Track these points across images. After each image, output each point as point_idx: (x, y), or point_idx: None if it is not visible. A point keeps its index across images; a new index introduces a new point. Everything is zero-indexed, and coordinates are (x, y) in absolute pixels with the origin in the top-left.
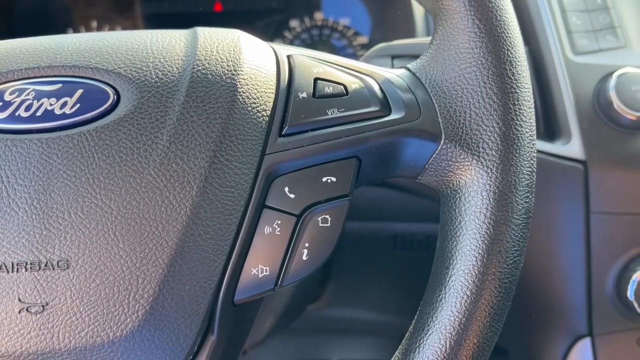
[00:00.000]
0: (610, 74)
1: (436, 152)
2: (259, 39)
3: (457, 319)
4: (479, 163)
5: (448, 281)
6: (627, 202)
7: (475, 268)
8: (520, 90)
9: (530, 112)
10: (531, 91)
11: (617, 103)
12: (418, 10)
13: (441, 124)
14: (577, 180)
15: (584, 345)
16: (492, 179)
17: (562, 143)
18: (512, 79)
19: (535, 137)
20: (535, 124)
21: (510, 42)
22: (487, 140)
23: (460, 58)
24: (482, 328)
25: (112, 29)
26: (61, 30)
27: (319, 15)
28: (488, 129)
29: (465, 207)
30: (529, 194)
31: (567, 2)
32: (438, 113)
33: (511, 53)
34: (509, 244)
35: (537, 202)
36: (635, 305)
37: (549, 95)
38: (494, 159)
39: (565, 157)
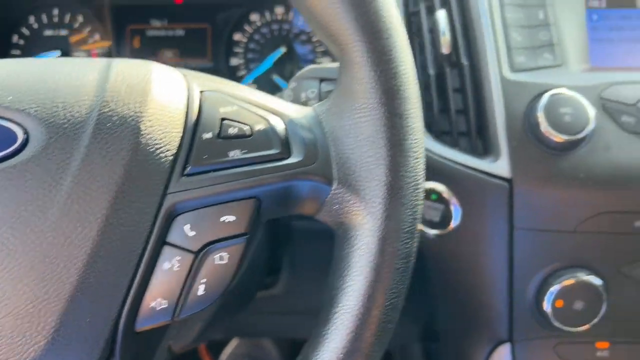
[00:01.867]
0: (541, 94)
1: (329, 195)
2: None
3: (338, 357)
4: (365, 209)
5: (333, 319)
6: (549, 220)
7: (357, 308)
8: (408, 142)
9: (417, 163)
10: (421, 142)
11: (544, 124)
12: None
13: (334, 169)
14: (503, 197)
15: (505, 349)
16: (376, 225)
17: (490, 160)
18: (401, 131)
19: (420, 186)
20: (422, 174)
21: (403, 96)
22: (374, 188)
23: (357, 107)
24: None
25: (73, 18)
26: (23, 17)
27: (279, 10)
28: (375, 177)
29: (352, 250)
30: (410, 240)
31: (510, 17)
32: (333, 158)
33: (403, 106)
34: (389, 288)
35: (466, 215)
36: (550, 316)
37: (484, 112)
38: (379, 206)
39: (492, 174)
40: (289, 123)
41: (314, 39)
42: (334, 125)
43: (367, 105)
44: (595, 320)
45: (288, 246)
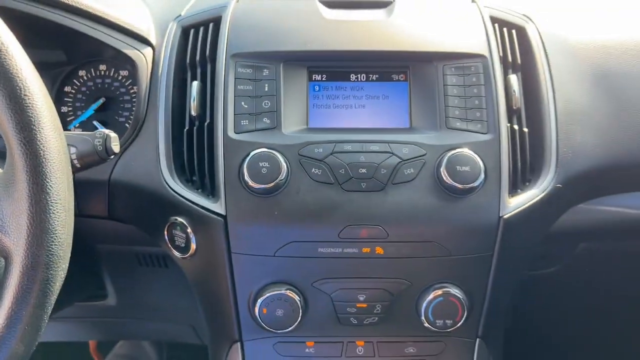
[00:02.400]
0: (249, 153)
1: None
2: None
3: None
4: (15, 249)
5: None
6: (255, 247)
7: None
8: (49, 213)
9: (54, 221)
10: (59, 207)
11: (247, 175)
12: None
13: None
14: (221, 228)
15: (237, 347)
16: (20, 260)
17: (214, 201)
18: (41, 201)
19: (56, 240)
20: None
21: (46, 174)
22: (20, 237)
23: (12, 181)
24: None
25: None
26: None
27: (102, 67)
28: (23, 230)
29: (7, 275)
30: (45, 269)
31: (240, 89)
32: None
33: (46, 182)
34: (15, 317)
35: (199, 241)
36: (260, 321)
37: (212, 164)
38: (23, 247)
39: (213, 211)
40: None
41: (132, 91)
42: (1, 189)
43: (19, 179)
44: (294, 325)
45: (102, 267)
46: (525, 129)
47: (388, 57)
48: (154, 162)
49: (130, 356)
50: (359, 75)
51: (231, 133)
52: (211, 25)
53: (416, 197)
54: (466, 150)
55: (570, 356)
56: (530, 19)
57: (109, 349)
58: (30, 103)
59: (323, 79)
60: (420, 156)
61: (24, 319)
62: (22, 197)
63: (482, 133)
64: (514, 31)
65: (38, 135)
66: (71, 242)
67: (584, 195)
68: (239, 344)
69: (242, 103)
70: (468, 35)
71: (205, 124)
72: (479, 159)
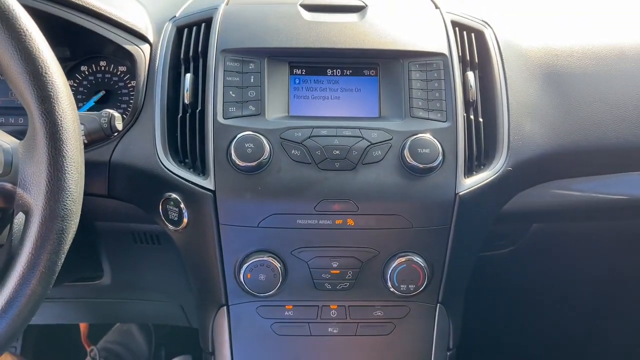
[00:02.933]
0: (236, 135)
1: (16, 193)
2: None
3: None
4: (34, 203)
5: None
6: (240, 218)
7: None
8: (63, 170)
9: (69, 178)
10: (74, 167)
11: (234, 155)
12: None
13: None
14: (210, 202)
15: (223, 311)
16: (39, 211)
17: (204, 178)
18: (58, 161)
19: (70, 195)
20: (72, 188)
21: (61, 139)
22: (40, 193)
23: (34, 144)
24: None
25: None
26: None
27: (102, 63)
28: (40, 185)
29: (28, 226)
30: (61, 221)
31: (229, 80)
32: (20, 173)
33: (62, 146)
34: (49, 250)
35: (191, 215)
36: (244, 285)
37: (203, 146)
38: (41, 202)
39: (204, 187)
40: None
41: (129, 85)
42: (24, 154)
43: (39, 144)
44: (275, 289)
45: (100, 245)
46: (481, 119)
47: (360, 54)
48: (150, 145)
49: (120, 343)
50: (334, 70)
51: (220, 118)
52: (203, 25)
53: (383, 176)
54: (427, 136)
55: (523, 333)
56: (489, 25)
57: (99, 337)
58: (50, 80)
59: (303, 72)
60: (387, 140)
61: (42, 262)
62: (42, 160)
63: (442, 121)
64: (472, 34)
65: (57, 108)
66: (82, 199)
67: (533, 179)
68: (225, 307)
69: (230, 92)
70: (431, 37)
71: (197, 110)
72: (437, 143)
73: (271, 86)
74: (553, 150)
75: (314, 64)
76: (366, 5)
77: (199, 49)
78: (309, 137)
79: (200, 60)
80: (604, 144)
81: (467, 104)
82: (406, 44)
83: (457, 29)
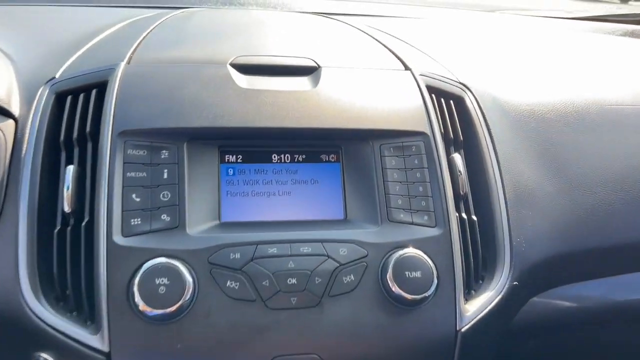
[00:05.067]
0: (142, 264)
1: None
2: None
3: None
4: None
5: None
6: None
7: None
8: None
9: None
10: None
11: (138, 297)
12: None
13: None
14: None
15: None
16: None
17: (91, 331)
18: None
19: None
20: None
21: None
22: None
23: None
24: None
25: None
26: None
27: None
28: None
29: None
30: None
31: (131, 177)
32: None
33: None
34: None
35: None
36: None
37: (90, 279)
38: None
39: (91, 346)
40: None
41: None
42: None
43: None
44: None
45: None
46: (474, 217)
47: (316, 135)
48: (10, 274)
49: None
50: (282, 156)
51: (117, 237)
52: (94, 92)
53: (359, 312)
54: (415, 252)
55: None
56: (467, 88)
57: None
58: None
59: (238, 160)
60: (361, 258)
61: None
62: None
63: (430, 226)
64: (452, 102)
65: None
66: None
67: (538, 289)
68: None
69: (133, 195)
70: (405, 109)
71: (83, 223)
72: (429, 261)
73: (194, 182)
74: (561, 252)
75: (253, 147)
76: (319, 66)
77: (87, 128)
78: (252, 260)
79: (89, 145)
80: (621, 239)
81: (457, 198)
82: (375, 120)
83: (433, 96)
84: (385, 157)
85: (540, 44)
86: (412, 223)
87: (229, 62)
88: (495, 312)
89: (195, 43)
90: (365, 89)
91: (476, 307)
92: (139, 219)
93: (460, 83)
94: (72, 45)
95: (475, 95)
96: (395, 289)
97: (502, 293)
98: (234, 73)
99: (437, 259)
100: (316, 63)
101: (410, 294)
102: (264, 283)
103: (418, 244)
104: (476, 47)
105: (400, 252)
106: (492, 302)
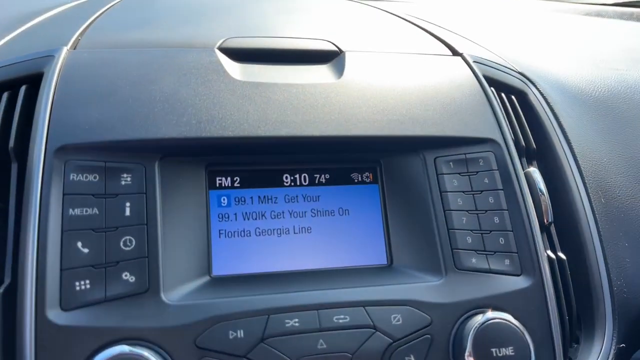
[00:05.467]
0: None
1: None
2: None
3: None
4: None
5: None
6: None
7: None
8: None
9: None
10: None
11: None
12: None
13: None
14: None
15: None
16: None
17: None
18: None
19: None
20: None
21: None
22: None
23: None
24: None
25: None
26: None
27: None
28: None
29: None
30: None
31: (71, 217)
32: None
33: None
34: None
35: None
36: None
37: None
38: None
39: None
40: None
41: None
42: None
43: None
44: None
45: None
46: (563, 256)
47: (345, 146)
48: None
49: None
50: (297, 177)
51: (53, 311)
52: (22, 89)
53: None
54: (500, 315)
55: None
56: (528, 79)
57: None
58: None
59: (235, 184)
60: (423, 328)
61: None
62: None
63: (514, 274)
64: (514, 98)
65: None
66: None
67: None
68: None
69: (78, 244)
70: (465, 108)
71: (1, 289)
72: (522, 329)
73: (171, 221)
74: None
75: (255, 165)
76: (341, 51)
77: (11, 143)
78: (261, 342)
79: (14, 167)
80: None
81: (541, 230)
82: (427, 123)
83: (493, 90)
84: (443, 176)
85: (579, 25)
86: (489, 271)
87: (217, 45)
88: None
89: (170, 23)
90: (407, 81)
91: None
92: (87, 282)
93: (519, 73)
94: (2, 29)
95: (540, 88)
96: None
97: (610, 357)
98: (224, 60)
99: (530, 324)
100: (337, 47)
101: None
102: None
103: (501, 302)
104: (518, 29)
105: (480, 317)
106: None
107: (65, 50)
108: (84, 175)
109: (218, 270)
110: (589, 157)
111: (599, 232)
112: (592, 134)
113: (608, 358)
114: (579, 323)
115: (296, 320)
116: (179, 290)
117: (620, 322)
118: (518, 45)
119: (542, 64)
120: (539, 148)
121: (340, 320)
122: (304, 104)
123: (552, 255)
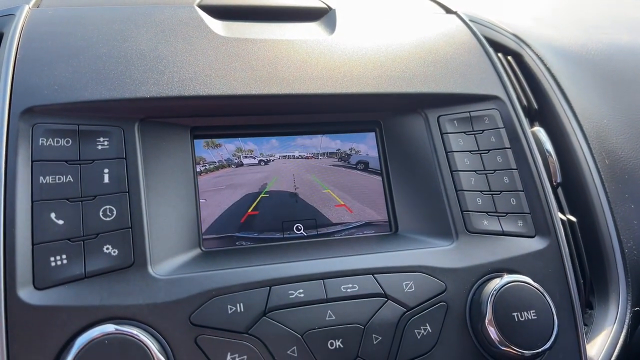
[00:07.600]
0: (70, 342)
1: None
2: None
3: None
4: None
5: None
6: None
7: None
8: None
9: None
10: None
11: None
12: None
13: None
14: None
15: None
16: None
17: None
18: None
19: None
20: None
21: None
22: None
23: None
24: None
25: None
26: None
27: None
28: None
29: None
30: None
31: (42, 185)
32: None
33: None
34: None
35: None
36: None
37: None
38: None
39: None
40: None
41: None
42: None
43: None
44: None
45: None
46: (573, 218)
47: (342, 105)
48: None
49: None
50: (288, 138)
51: (25, 290)
52: None
53: None
54: (519, 278)
55: None
56: (522, 40)
57: None
58: None
59: (221, 147)
60: (438, 295)
61: None
62: None
63: (528, 236)
64: (510, 58)
65: None
66: None
67: None
68: None
69: (52, 216)
70: (466, 65)
71: None
72: (543, 292)
73: (154, 187)
74: None
75: (243, 129)
76: (330, 9)
77: None
78: (264, 315)
79: None
80: None
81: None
82: (429, 79)
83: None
84: (448, 135)
85: None
86: (502, 233)
87: (197, 2)
88: (625, 353)
89: None
90: (403, 38)
91: (602, 352)
92: (63, 257)
93: (513, 35)
94: None
95: (535, 50)
96: (501, 341)
97: (625, 324)
98: (205, 17)
99: (548, 287)
100: (325, 4)
101: (527, 349)
102: (289, 352)
103: (517, 265)
104: None
105: (498, 281)
106: (618, 340)
107: (27, 8)
108: (55, 140)
109: (208, 243)
110: (590, 118)
111: (606, 193)
112: (591, 95)
113: (624, 322)
114: (591, 288)
115: (301, 291)
116: (168, 263)
117: (633, 285)
118: (508, 9)
119: (533, 28)
120: (539, 109)
121: (349, 290)
122: (295, 60)
123: (563, 218)
